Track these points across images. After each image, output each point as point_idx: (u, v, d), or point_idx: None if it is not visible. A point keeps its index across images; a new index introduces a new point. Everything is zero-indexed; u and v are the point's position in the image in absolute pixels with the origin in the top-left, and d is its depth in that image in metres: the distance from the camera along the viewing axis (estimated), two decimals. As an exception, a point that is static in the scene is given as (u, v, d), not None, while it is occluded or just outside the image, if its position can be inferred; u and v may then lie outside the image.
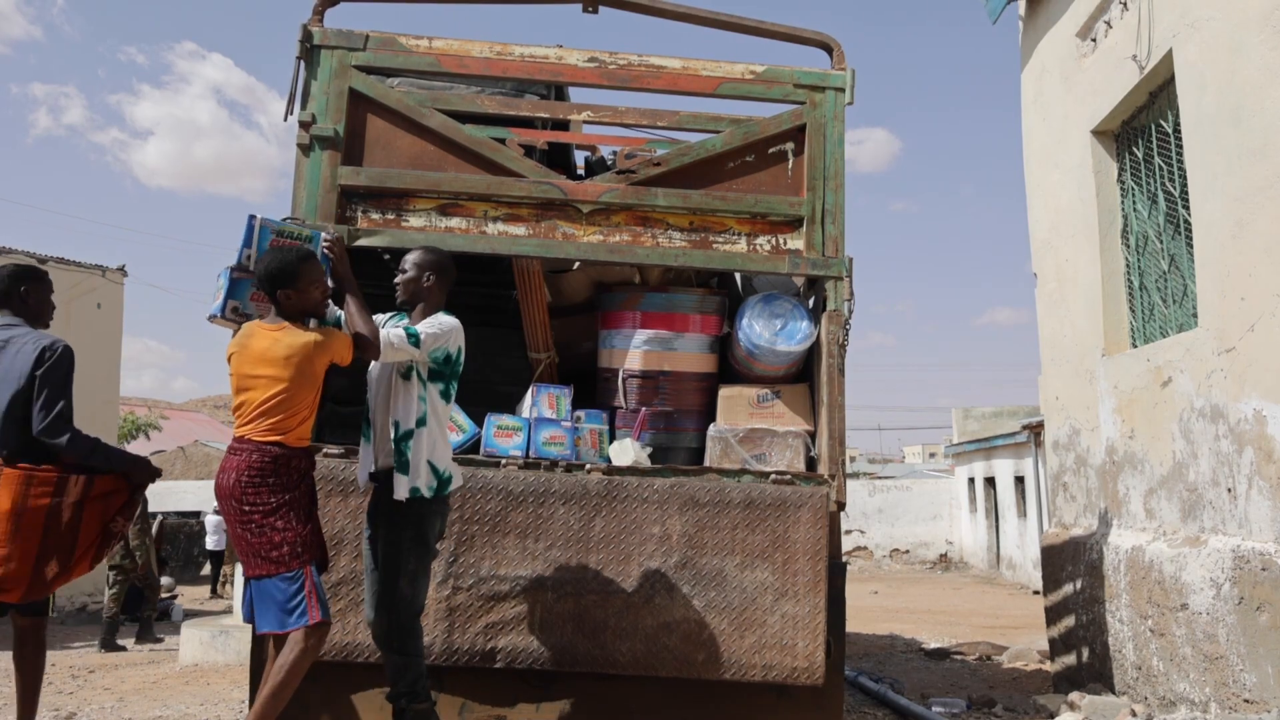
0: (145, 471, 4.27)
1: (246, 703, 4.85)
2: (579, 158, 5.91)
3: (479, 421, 4.77)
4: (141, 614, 11.04)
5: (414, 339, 3.90)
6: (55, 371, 4.02)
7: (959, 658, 8.34)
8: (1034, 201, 7.32)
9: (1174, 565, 4.99)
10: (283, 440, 3.71)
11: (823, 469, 4.71)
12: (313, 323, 3.90)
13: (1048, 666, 7.22)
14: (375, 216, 4.81)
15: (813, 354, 4.98)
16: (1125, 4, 5.76)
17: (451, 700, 4.45)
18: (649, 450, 4.92)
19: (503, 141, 4.88)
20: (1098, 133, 6.23)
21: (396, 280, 4.19)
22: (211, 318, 4.04)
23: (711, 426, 4.99)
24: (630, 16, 5.31)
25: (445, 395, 4.08)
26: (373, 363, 4.08)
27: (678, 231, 4.88)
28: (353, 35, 4.87)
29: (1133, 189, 6.05)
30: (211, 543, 19.10)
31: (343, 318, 4.01)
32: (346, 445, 4.55)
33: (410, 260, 4.18)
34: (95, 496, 4.04)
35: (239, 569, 8.51)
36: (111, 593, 10.32)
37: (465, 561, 4.44)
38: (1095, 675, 5.97)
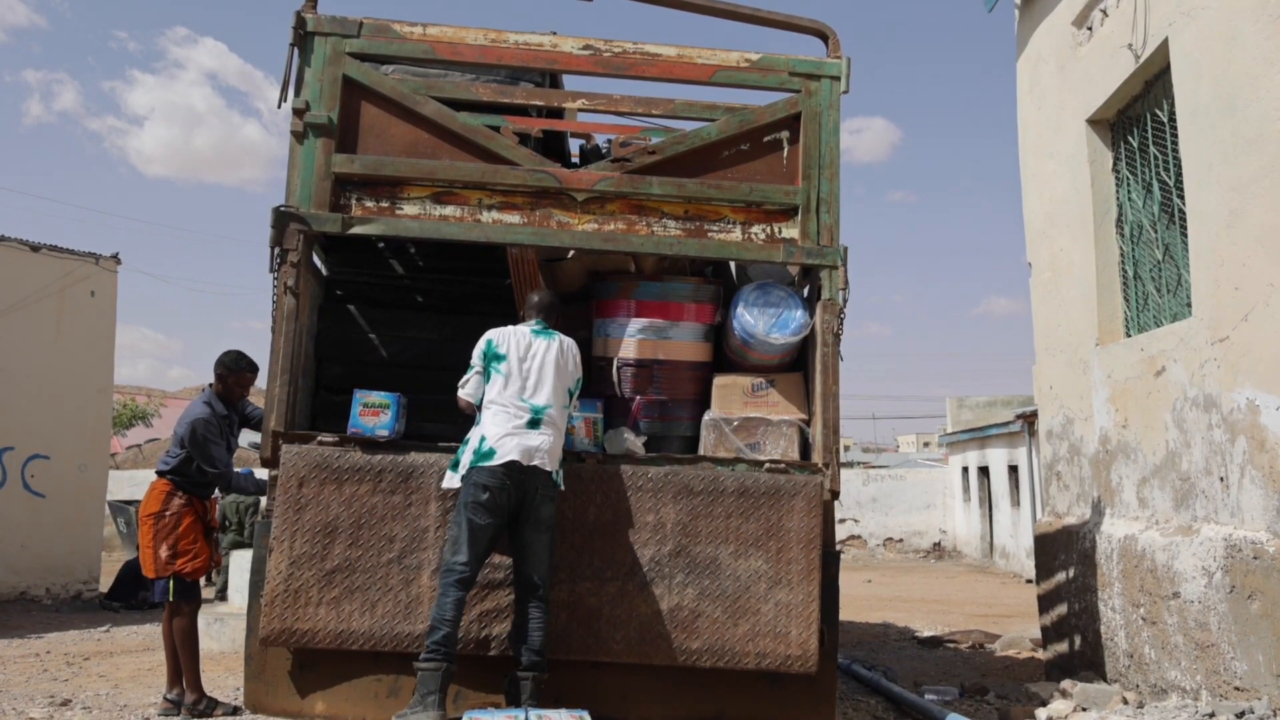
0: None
1: (241, 690, 4.85)
2: (574, 146, 5.90)
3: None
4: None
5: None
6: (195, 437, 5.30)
7: (952, 646, 8.37)
8: (1029, 191, 7.32)
9: (1166, 554, 5.01)
10: None
11: (817, 458, 4.72)
12: None
13: (1040, 654, 7.25)
14: (369, 204, 4.79)
15: (808, 343, 4.98)
16: (1121, -7, 5.75)
17: (446, 688, 4.45)
18: (643, 439, 4.92)
19: (497, 129, 4.87)
20: (1093, 122, 6.22)
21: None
22: None
23: (706, 415, 4.99)
24: (626, 4, 5.30)
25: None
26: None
27: (672, 220, 4.87)
28: (347, 22, 4.86)
29: (1128, 178, 6.04)
30: None
31: None
32: (340, 434, 4.56)
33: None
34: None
35: (235, 557, 8.52)
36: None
37: (460, 549, 4.44)
38: (1087, 663, 6.00)
